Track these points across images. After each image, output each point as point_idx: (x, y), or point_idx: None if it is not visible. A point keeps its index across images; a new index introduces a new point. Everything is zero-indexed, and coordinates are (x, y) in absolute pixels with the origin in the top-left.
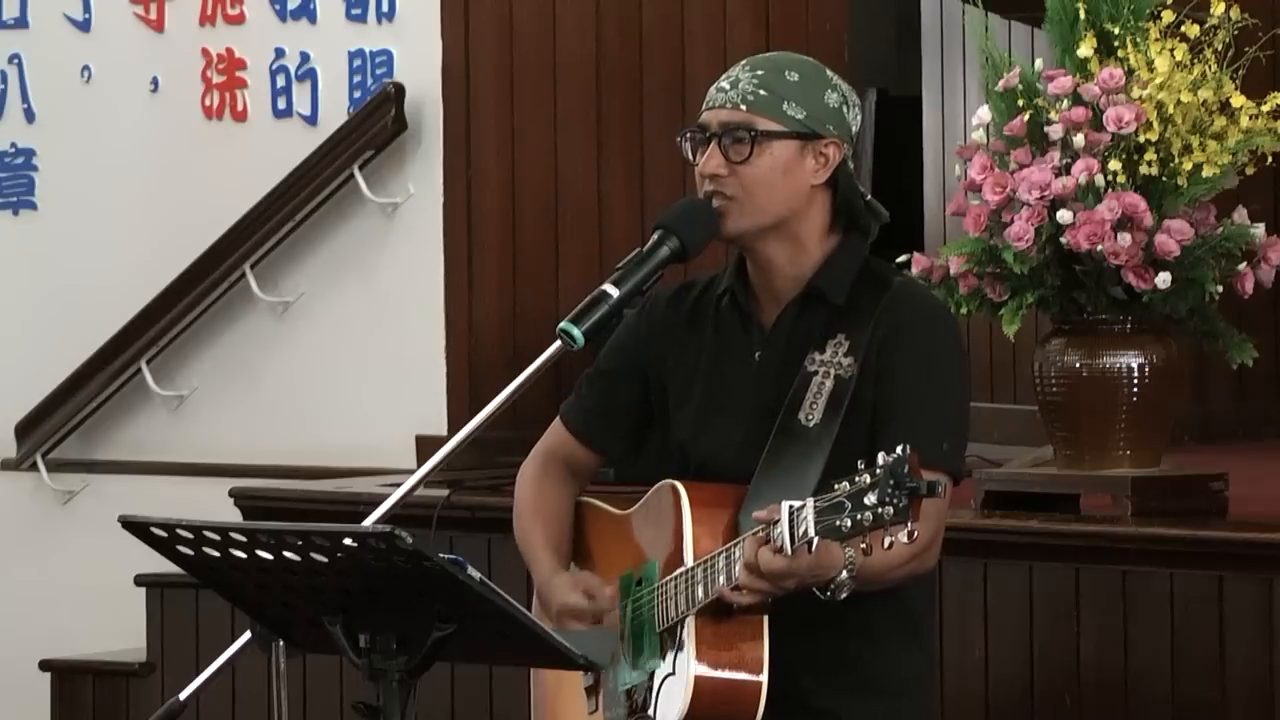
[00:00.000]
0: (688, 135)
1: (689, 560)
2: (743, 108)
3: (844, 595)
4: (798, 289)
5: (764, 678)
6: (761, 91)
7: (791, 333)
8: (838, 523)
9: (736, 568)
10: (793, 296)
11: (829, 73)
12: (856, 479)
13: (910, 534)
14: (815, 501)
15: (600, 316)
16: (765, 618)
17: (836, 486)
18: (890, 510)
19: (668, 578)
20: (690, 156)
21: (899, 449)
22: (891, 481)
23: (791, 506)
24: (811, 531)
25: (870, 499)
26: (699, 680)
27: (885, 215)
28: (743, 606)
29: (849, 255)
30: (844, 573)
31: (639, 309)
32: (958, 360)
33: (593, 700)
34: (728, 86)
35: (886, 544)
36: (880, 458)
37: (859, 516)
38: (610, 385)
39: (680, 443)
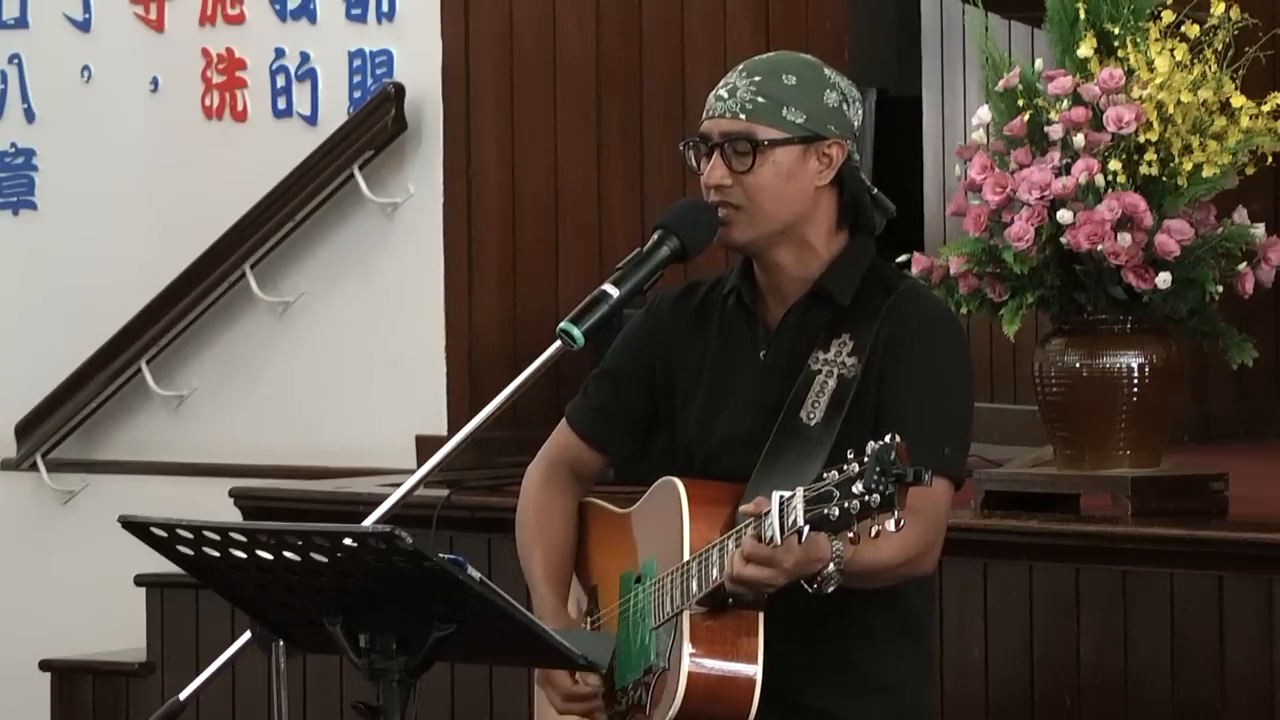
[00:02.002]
0: (690, 144)
1: (685, 556)
2: (742, 117)
3: (831, 588)
4: (804, 289)
5: (758, 673)
6: (760, 99)
7: (796, 332)
8: (826, 511)
9: (729, 559)
10: (799, 296)
11: (827, 70)
12: (845, 468)
13: (897, 522)
14: (805, 491)
15: (600, 316)
16: (760, 614)
17: (825, 476)
18: (877, 498)
19: (664, 573)
20: (694, 165)
21: (886, 437)
22: (878, 469)
23: (782, 496)
24: (801, 521)
25: (857, 487)
26: (693, 675)
27: (892, 208)
28: (739, 602)
29: (856, 256)
30: (831, 565)
31: (645, 309)
32: (962, 365)
33: None
34: (726, 95)
35: (873, 533)
36: (869, 446)
37: (846, 505)
38: (616, 385)
39: (685, 442)
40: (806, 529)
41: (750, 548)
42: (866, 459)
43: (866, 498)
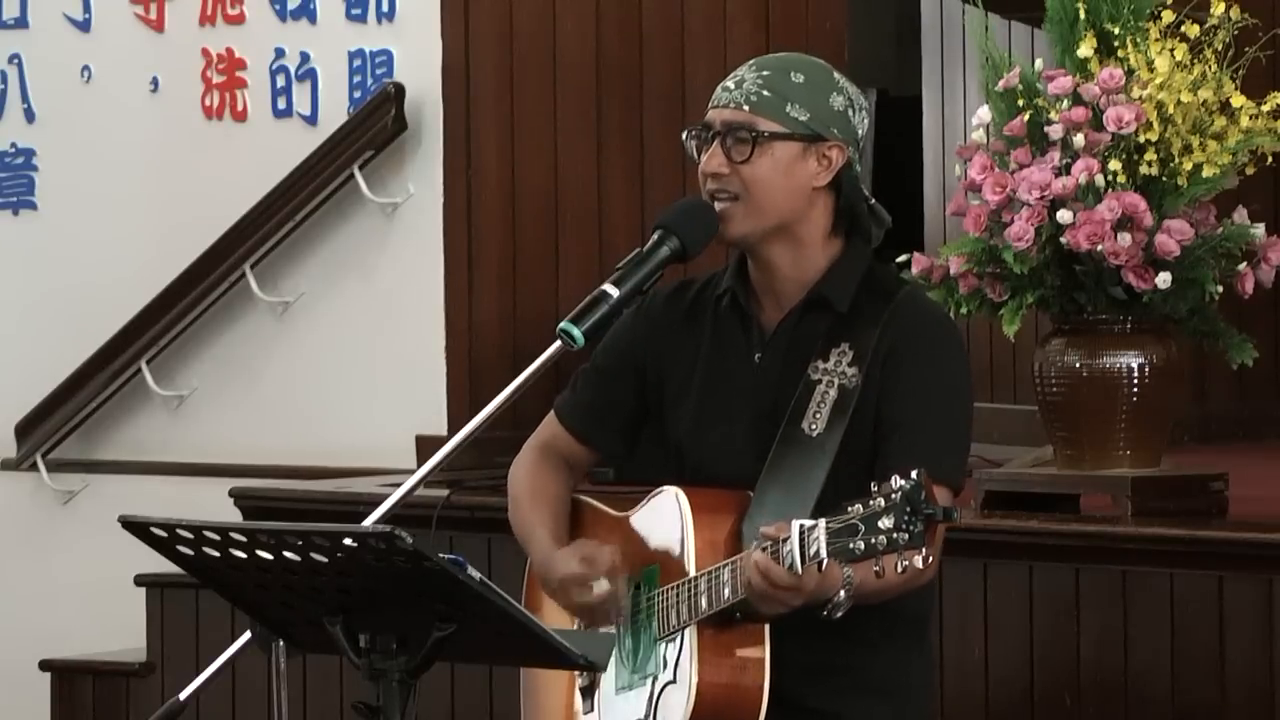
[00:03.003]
0: (693, 133)
1: (691, 569)
2: (745, 108)
3: (840, 614)
4: (801, 293)
5: (765, 683)
6: (765, 92)
7: (793, 338)
8: (850, 545)
9: (742, 579)
10: (795, 300)
11: (837, 75)
12: (871, 502)
13: (925, 559)
14: (827, 523)
15: (600, 316)
16: (767, 624)
17: (850, 509)
18: (905, 536)
19: (669, 585)
20: (694, 154)
21: (914, 473)
22: (908, 508)
23: (803, 526)
24: (824, 553)
25: (885, 523)
26: (701, 687)
27: (888, 220)
28: (746, 616)
29: (853, 262)
30: (842, 592)
31: (636, 306)
32: (962, 371)
33: (588, 702)
34: (733, 86)
35: (900, 568)
36: (894, 481)
37: (873, 540)
38: (606, 382)
39: (678, 442)
40: (826, 560)
41: (771, 572)
42: (895, 496)
43: (895, 535)
